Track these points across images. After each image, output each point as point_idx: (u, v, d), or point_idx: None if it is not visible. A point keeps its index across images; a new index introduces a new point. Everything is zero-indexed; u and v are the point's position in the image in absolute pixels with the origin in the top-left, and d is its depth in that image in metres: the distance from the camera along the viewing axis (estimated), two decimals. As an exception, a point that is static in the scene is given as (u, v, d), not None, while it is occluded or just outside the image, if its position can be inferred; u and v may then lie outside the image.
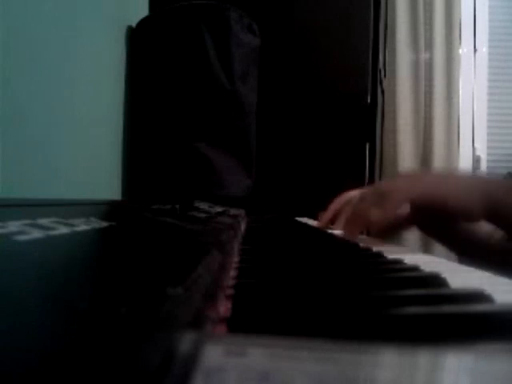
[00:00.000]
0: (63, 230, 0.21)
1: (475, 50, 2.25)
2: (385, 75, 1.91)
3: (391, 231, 0.55)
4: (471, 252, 0.48)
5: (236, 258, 0.31)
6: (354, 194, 0.64)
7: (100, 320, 0.09)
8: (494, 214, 0.42)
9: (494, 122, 2.26)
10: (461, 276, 0.25)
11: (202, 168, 0.97)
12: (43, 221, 0.22)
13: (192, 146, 0.97)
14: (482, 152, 2.24)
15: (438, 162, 2.04)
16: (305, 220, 0.87)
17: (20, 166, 0.59)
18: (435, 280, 0.23)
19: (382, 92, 1.87)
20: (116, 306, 0.10)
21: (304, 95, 1.20)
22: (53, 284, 0.12)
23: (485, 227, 0.47)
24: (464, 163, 2.17)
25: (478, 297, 0.19)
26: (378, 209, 0.44)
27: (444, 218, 0.47)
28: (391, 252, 0.34)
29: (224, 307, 0.17)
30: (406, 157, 2.02)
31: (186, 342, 0.10)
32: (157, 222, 0.35)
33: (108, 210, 0.43)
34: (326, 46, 1.20)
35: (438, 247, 0.56)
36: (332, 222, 0.68)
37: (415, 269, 0.27)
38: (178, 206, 0.49)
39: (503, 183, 0.46)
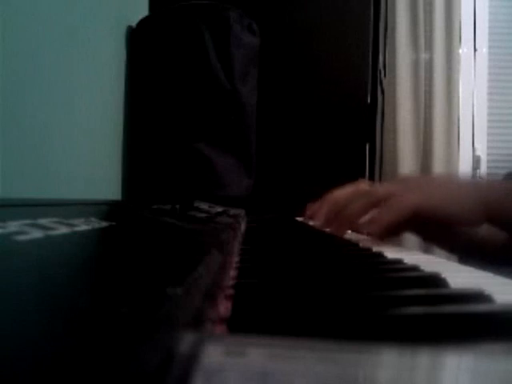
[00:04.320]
0: (63, 229, 0.21)
1: (475, 50, 2.24)
2: (385, 75, 1.90)
3: (391, 233, 0.54)
4: (471, 253, 0.48)
5: (236, 258, 0.31)
6: (342, 193, 0.61)
7: (100, 320, 0.09)
8: (494, 217, 0.42)
9: (493, 122, 2.25)
10: (461, 276, 0.25)
11: (202, 168, 0.97)
12: (43, 221, 0.22)
13: (192, 146, 0.97)
14: (482, 152, 2.24)
15: (438, 162, 2.04)
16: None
17: (20, 165, 0.59)
18: (435, 280, 0.23)
19: (382, 92, 1.87)
20: (116, 305, 0.10)
21: (304, 95, 1.20)
22: (53, 284, 0.12)
23: (483, 228, 0.47)
24: (464, 163, 2.17)
25: (478, 297, 0.19)
26: (375, 221, 0.45)
27: (444, 225, 0.47)
28: (391, 252, 0.34)
29: (224, 307, 0.17)
30: (405, 157, 2.02)
31: (185, 342, 0.10)
32: (157, 222, 0.35)
33: (108, 210, 0.43)
34: (326, 45, 1.20)
35: (438, 247, 0.56)
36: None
37: (415, 269, 0.27)
38: (177, 206, 0.49)
39: (502, 186, 0.47)
